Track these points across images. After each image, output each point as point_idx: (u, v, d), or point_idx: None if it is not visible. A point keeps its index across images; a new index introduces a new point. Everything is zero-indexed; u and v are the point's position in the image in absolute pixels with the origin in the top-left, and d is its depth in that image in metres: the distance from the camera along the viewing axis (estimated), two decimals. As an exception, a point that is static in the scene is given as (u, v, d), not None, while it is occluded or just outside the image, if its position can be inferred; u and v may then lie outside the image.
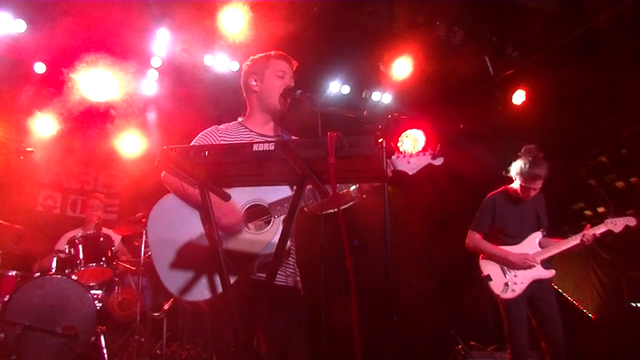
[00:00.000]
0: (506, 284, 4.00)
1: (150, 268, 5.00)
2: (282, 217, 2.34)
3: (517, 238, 4.11)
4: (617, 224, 3.98)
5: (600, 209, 5.69)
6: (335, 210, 2.54)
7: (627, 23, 4.77)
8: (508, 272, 4.04)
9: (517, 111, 5.98)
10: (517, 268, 4.01)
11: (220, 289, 2.25)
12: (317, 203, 2.52)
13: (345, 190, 2.49)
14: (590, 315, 5.75)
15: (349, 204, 2.56)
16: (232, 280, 2.22)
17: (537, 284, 4.00)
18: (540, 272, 4.01)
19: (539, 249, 4.07)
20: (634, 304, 5.22)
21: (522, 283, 3.98)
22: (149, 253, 4.66)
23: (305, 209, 2.58)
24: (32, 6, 4.95)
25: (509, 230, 4.13)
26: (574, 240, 3.99)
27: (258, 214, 2.39)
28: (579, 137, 5.79)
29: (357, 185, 2.47)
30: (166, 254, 2.33)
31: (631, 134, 5.51)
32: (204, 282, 2.27)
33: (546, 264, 4.05)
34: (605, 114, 5.70)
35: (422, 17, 5.25)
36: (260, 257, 2.30)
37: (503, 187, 4.28)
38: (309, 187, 2.32)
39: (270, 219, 2.36)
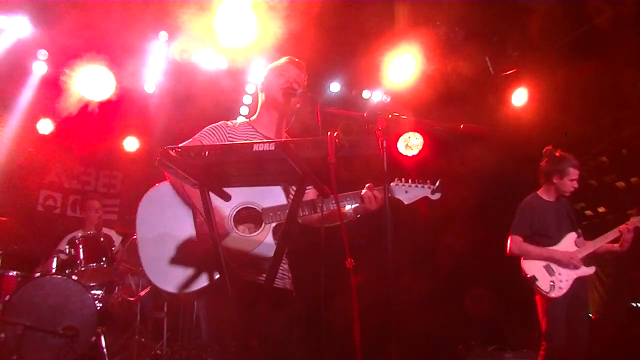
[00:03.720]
0: (552, 282, 4.06)
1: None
2: (273, 224, 2.34)
3: (556, 239, 4.18)
4: None
5: (601, 209, 5.70)
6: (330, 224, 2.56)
7: (628, 23, 4.77)
8: (553, 272, 4.10)
9: (517, 111, 5.98)
10: (564, 267, 4.08)
11: (210, 281, 2.26)
12: (314, 215, 2.51)
13: (343, 208, 2.49)
14: (590, 315, 5.75)
15: (345, 221, 2.55)
16: (215, 277, 2.24)
17: (577, 284, 4.07)
18: (582, 270, 4.09)
19: (576, 248, 4.14)
20: (634, 304, 5.22)
21: (567, 281, 4.06)
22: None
23: (301, 219, 2.58)
24: (33, 6, 4.95)
25: (548, 231, 4.20)
26: (613, 234, 4.05)
27: (249, 217, 2.39)
28: (579, 137, 5.79)
29: (353, 205, 2.47)
30: (154, 250, 2.33)
31: (631, 134, 5.51)
32: (192, 275, 2.29)
33: (586, 262, 4.12)
34: (605, 114, 5.69)
35: (422, 17, 5.24)
36: (249, 257, 2.31)
37: (534, 193, 4.38)
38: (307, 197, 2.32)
39: (261, 223, 2.35)
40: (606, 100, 5.50)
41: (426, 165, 6.43)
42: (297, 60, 2.74)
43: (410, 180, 2.56)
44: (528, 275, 4.14)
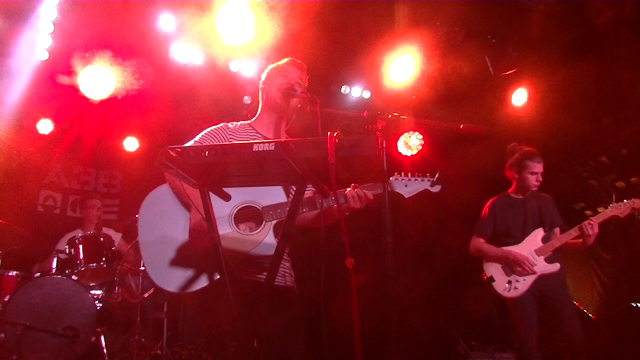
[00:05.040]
0: (509, 282, 4.02)
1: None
2: (273, 222, 2.35)
3: (520, 238, 4.12)
4: (621, 208, 3.92)
5: (601, 209, 5.69)
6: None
7: (627, 23, 4.77)
8: (510, 271, 4.05)
9: (517, 111, 5.98)
10: (517, 271, 4.02)
11: (211, 280, 2.27)
12: (313, 214, 2.51)
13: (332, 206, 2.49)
14: (590, 315, 5.75)
15: (332, 222, 2.56)
16: (216, 277, 2.24)
17: (545, 281, 3.97)
18: (544, 268, 3.99)
19: (542, 245, 4.06)
20: (634, 304, 5.22)
21: (524, 280, 3.98)
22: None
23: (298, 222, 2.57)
24: (32, 3, 4.95)
25: (512, 230, 4.15)
26: (575, 232, 3.95)
27: (250, 215, 2.39)
28: (579, 137, 5.78)
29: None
30: (156, 251, 2.35)
31: (631, 134, 5.50)
32: (195, 275, 2.29)
33: (551, 258, 4.04)
34: (605, 114, 5.69)
35: (422, 17, 5.24)
36: (249, 256, 2.31)
37: (504, 192, 4.34)
38: (306, 195, 2.33)
39: (262, 221, 2.36)
40: (606, 100, 5.50)
41: (426, 165, 6.43)
42: (298, 61, 2.74)
43: (409, 174, 2.57)
44: (486, 277, 4.12)
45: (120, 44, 5.35)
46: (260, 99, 2.79)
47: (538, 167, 4.12)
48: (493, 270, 4.12)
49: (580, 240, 3.96)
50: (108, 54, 5.24)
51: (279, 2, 4.70)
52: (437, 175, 2.56)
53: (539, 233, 4.10)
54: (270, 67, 2.80)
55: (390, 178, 2.54)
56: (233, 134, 2.63)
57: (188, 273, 2.29)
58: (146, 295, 5.09)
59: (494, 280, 4.07)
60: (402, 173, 2.57)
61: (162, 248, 2.34)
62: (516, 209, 4.21)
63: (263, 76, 2.80)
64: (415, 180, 2.56)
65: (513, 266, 4.04)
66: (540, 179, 4.15)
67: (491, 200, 4.35)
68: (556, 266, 4.02)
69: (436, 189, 2.56)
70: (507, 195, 4.31)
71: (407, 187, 2.55)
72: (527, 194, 4.23)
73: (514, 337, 4.05)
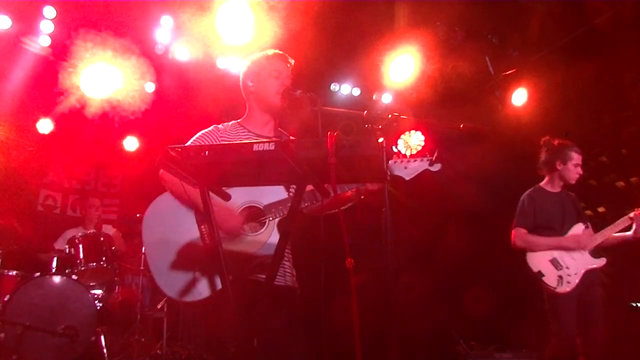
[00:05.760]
0: (560, 277, 3.89)
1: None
2: (276, 220, 2.35)
3: (560, 231, 4.04)
4: None
5: (601, 209, 5.69)
6: (335, 211, 2.55)
7: (627, 23, 4.77)
8: (560, 265, 3.94)
9: (517, 111, 5.98)
10: (572, 257, 3.91)
11: (215, 289, 2.26)
12: (316, 205, 2.51)
13: (346, 191, 2.48)
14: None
15: (348, 205, 2.55)
16: (218, 287, 2.23)
17: (588, 277, 3.90)
18: (591, 262, 3.93)
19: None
20: (634, 304, 5.22)
21: (575, 274, 3.88)
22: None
23: (304, 210, 2.57)
24: (32, 3, 4.95)
25: (552, 223, 4.05)
26: (623, 223, 3.89)
27: (253, 215, 2.39)
28: (579, 137, 5.77)
29: (356, 187, 2.45)
30: (161, 256, 2.33)
31: (631, 134, 5.50)
32: (199, 282, 2.29)
33: (594, 253, 3.98)
34: (605, 114, 5.69)
35: (422, 17, 5.24)
36: (256, 258, 2.31)
37: (536, 185, 4.26)
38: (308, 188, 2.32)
39: (265, 221, 2.36)
40: (606, 100, 5.50)
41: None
42: (282, 53, 2.70)
43: (408, 155, 2.49)
44: (534, 271, 3.96)
45: (121, 43, 5.35)
46: (247, 96, 2.74)
47: (580, 159, 4.09)
48: (540, 264, 3.96)
49: (629, 233, 3.92)
50: (108, 54, 5.24)
51: (279, 2, 4.70)
52: (435, 154, 2.47)
53: (579, 228, 4.03)
54: (252, 60, 2.72)
55: (389, 162, 2.47)
56: (224, 135, 2.61)
57: (193, 281, 2.28)
58: (159, 306, 5.13)
59: (543, 275, 3.92)
60: (401, 155, 2.49)
61: (167, 253, 2.32)
62: (553, 202, 4.13)
63: (247, 72, 2.71)
64: (415, 161, 2.47)
65: (567, 255, 3.93)
66: (581, 171, 4.11)
67: (527, 192, 4.24)
68: (603, 260, 3.95)
69: (436, 167, 2.48)
70: (542, 189, 4.22)
71: (407, 168, 2.47)
72: (560, 188, 4.17)
73: (553, 335, 3.89)
